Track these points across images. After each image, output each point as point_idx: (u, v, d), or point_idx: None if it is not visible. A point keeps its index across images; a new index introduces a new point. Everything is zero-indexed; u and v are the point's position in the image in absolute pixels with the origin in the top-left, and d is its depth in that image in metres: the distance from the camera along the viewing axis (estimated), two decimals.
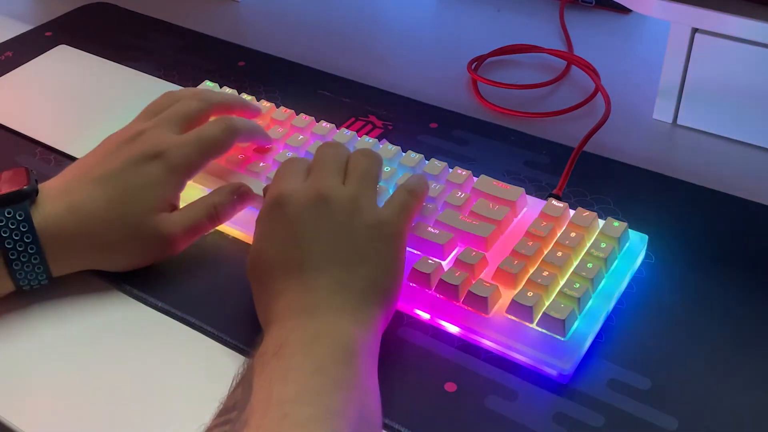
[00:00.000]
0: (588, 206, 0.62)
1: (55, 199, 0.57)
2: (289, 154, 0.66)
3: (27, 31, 0.90)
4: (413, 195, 0.57)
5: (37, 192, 0.57)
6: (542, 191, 0.65)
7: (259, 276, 0.53)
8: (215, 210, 0.60)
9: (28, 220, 0.55)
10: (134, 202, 0.58)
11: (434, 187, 0.62)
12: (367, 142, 0.67)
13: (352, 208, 0.53)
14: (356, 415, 0.44)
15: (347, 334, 0.48)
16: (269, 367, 0.46)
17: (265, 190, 0.59)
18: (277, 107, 0.72)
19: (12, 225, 0.55)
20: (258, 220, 0.55)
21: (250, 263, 0.54)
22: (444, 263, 0.57)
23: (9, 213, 0.55)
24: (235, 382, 0.48)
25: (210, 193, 0.62)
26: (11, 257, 0.55)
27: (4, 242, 0.55)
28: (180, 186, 0.60)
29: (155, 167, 0.59)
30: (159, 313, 0.58)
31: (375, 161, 0.58)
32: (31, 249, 0.55)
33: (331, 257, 0.51)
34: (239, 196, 0.61)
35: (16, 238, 0.55)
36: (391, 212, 0.55)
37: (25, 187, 0.56)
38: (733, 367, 0.52)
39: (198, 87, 0.76)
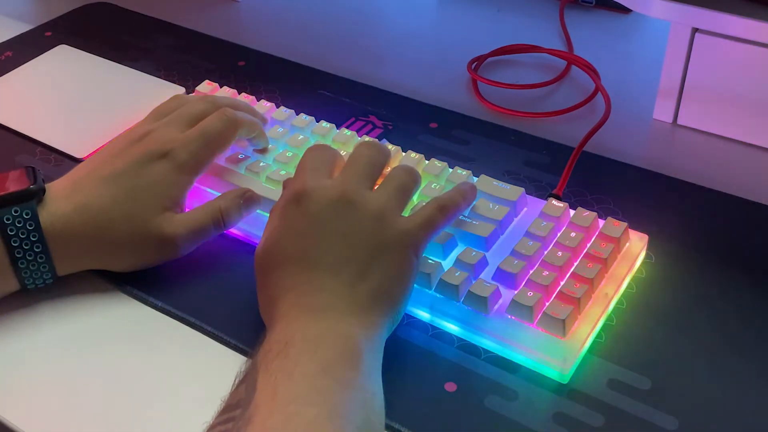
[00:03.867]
0: (588, 206, 0.62)
1: (61, 199, 0.57)
2: (290, 154, 0.66)
3: (27, 31, 0.90)
4: (442, 212, 0.55)
5: (44, 191, 0.57)
6: (542, 191, 0.65)
7: (268, 269, 0.52)
8: (221, 214, 0.60)
9: (34, 219, 0.55)
10: (140, 201, 0.58)
11: (433, 187, 0.62)
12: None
13: (374, 216, 0.53)
14: (360, 418, 0.44)
15: (352, 336, 0.48)
16: (274, 365, 0.45)
17: (286, 182, 0.57)
18: (277, 107, 0.72)
19: (18, 224, 0.55)
20: (273, 211, 0.55)
21: (261, 254, 0.53)
22: (444, 263, 0.58)
23: (16, 212, 0.55)
24: (238, 379, 0.48)
25: (216, 198, 0.61)
26: (17, 256, 0.55)
27: (10, 240, 0.55)
28: (188, 185, 0.60)
29: (162, 167, 0.59)
30: (161, 314, 0.58)
31: (415, 180, 0.57)
32: (37, 248, 0.55)
33: (344, 260, 0.51)
34: (245, 201, 0.61)
35: (23, 236, 0.55)
36: (413, 225, 0.54)
37: (31, 186, 0.56)
38: (733, 367, 0.52)
39: (199, 87, 0.76)
